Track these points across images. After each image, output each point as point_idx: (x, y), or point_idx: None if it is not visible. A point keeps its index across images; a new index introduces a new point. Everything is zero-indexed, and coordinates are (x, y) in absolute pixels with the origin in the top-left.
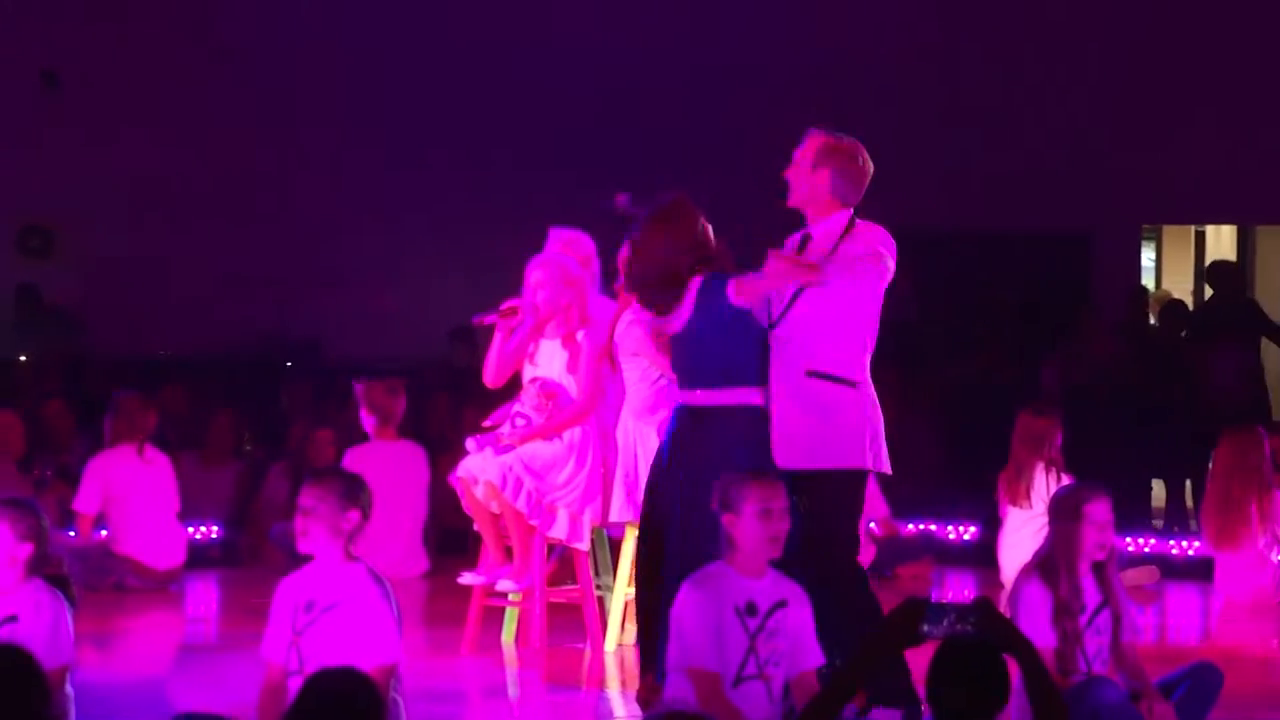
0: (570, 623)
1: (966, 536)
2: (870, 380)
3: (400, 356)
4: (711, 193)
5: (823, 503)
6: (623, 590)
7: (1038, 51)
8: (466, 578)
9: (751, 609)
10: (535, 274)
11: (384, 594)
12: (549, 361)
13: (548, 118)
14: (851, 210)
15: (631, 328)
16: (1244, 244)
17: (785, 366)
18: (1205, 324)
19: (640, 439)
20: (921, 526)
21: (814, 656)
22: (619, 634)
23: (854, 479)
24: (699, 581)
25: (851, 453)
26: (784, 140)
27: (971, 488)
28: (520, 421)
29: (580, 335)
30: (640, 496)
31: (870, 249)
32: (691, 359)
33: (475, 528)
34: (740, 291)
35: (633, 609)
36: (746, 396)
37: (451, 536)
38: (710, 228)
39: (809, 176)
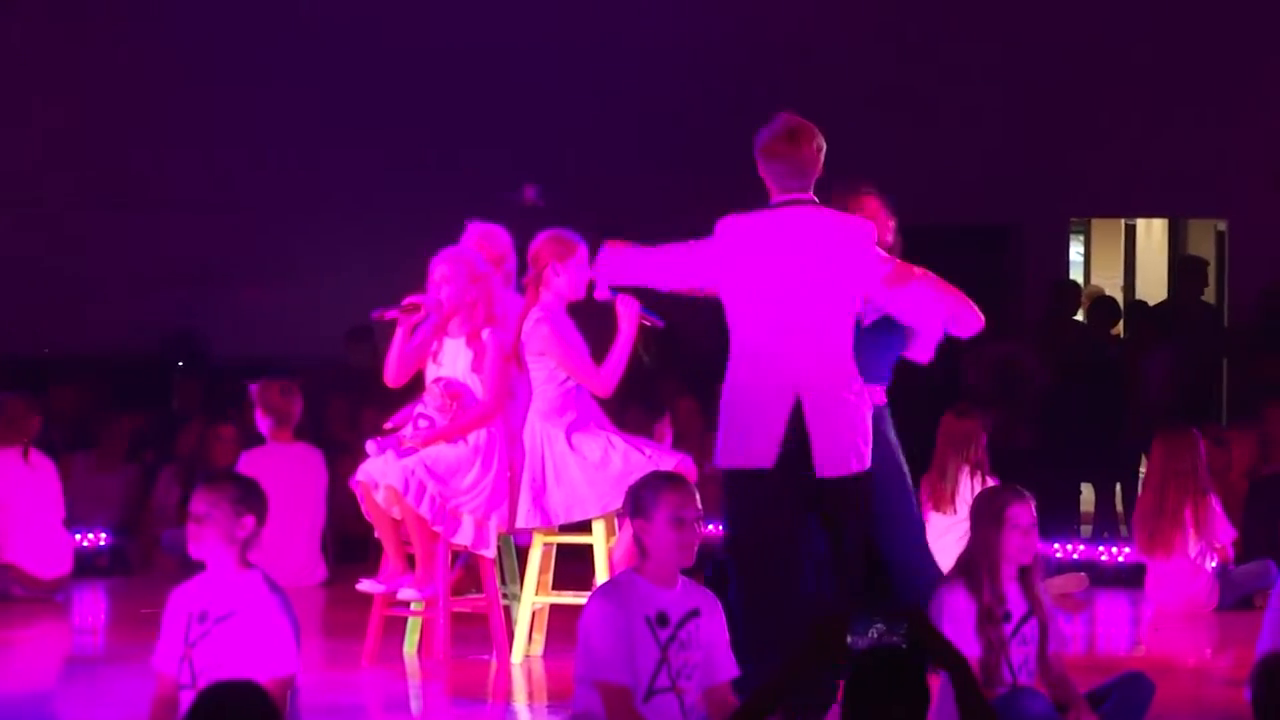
0: (475, 633)
1: None
2: None
3: (296, 356)
4: (628, 184)
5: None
6: (530, 599)
7: (963, 40)
8: (366, 586)
9: (663, 619)
10: (440, 269)
11: (281, 603)
12: (453, 361)
13: (456, 106)
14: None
15: (539, 326)
16: (1175, 238)
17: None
18: (1166, 321)
19: (548, 441)
20: None
21: (728, 668)
22: (526, 645)
23: None
24: (607, 591)
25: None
26: (705, 131)
27: None
28: (423, 423)
29: (486, 334)
30: (548, 501)
31: None
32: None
33: (376, 534)
34: None
35: (541, 619)
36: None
37: (351, 543)
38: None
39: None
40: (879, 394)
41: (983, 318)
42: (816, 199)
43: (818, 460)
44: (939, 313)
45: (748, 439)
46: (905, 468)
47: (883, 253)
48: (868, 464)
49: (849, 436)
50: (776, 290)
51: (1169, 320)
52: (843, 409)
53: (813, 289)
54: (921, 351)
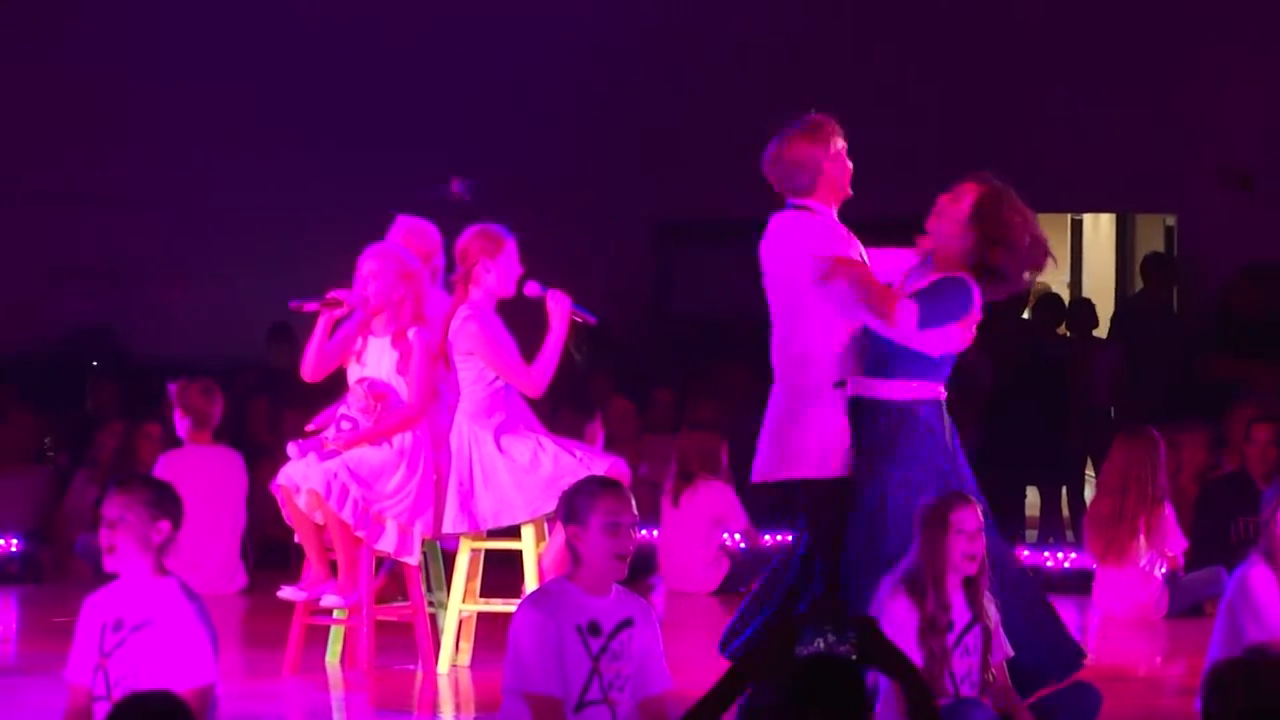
0: (400, 642)
1: None
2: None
3: (215, 355)
4: (554, 176)
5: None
6: (456, 607)
7: (897, 27)
8: (288, 593)
9: (595, 629)
10: (368, 264)
11: (198, 611)
12: (378, 360)
13: (380, 100)
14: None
15: (467, 324)
16: (1123, 233)
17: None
18: (1128, 320)
19: (475, 443)
20: (780, 538)
21: (661, 680)
22: (453, 654)
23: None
24: (537, 600)
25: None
26: (632, 118)
27: None
28: (346, 425)
29: (412, 333)
30: (476, 506)
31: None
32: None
33: (297, 539)
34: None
35: (468, 627)
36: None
37: (271, 549)
38: None
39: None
40: (920, 389)
41: (907, 321)
42: (798, 204)
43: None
44: (857, 308)
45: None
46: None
47: (819, 252)
48: (822, 472)
49: (784, 438)
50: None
51: (1135, 319)
52: (782, 411)
53: (770, 291)
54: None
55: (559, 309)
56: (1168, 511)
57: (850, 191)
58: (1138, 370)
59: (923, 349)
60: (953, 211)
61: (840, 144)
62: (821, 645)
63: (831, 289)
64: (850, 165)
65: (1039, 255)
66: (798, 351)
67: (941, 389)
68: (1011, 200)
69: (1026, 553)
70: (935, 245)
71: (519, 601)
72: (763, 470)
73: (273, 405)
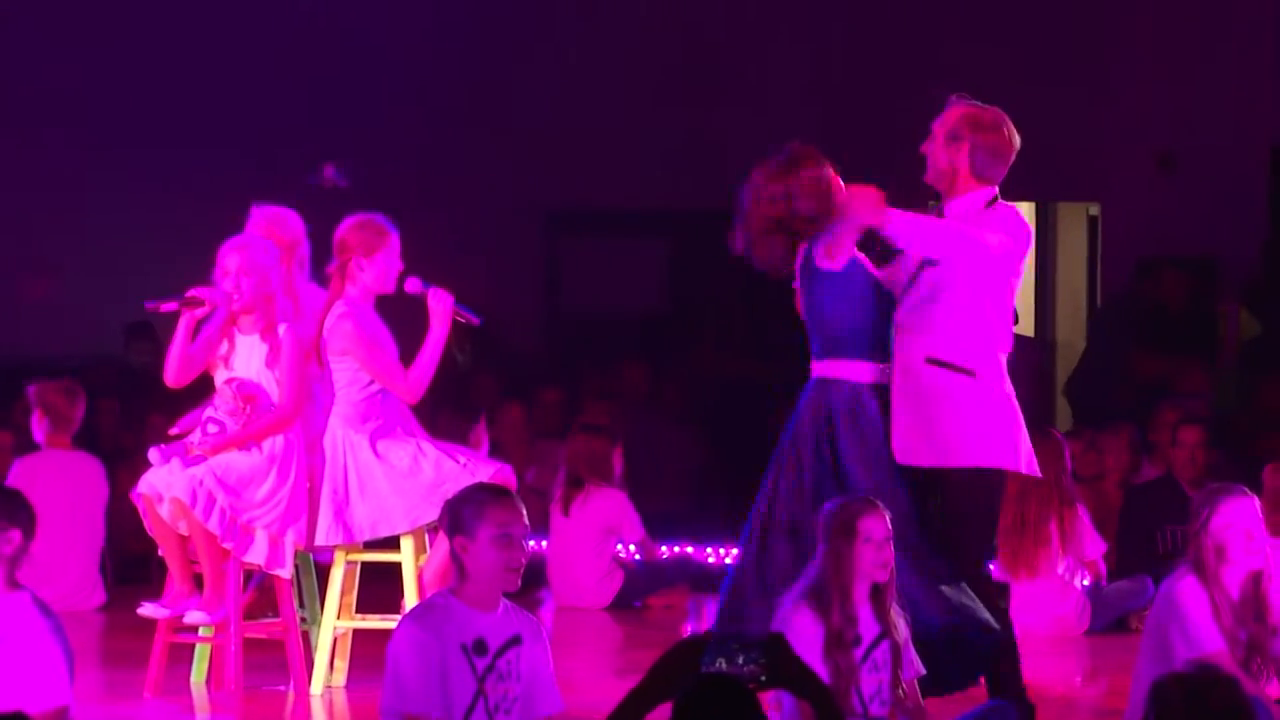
0: (271, 661)
1: (729, 560)
2: (1001, 373)
3: (68, 355)
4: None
5: (948, 504)
6: (331, 624)
7: (792, 11)
8: (149, 610)
9: (480, 647)
10: (230, 258)
11: (53, 628)
12: (246, 360)
13: (249, 88)
14: (994, 188)
15: (342, 322)
16: (1043, 223)
17: (904, 353)
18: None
19: (351, 449)
20: (678, 549)
21: (551, 701)
22: (327, 674)
23: (984, 479)
24: (419, 615)
25: (978, 450)
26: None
27: (736, 504)
28: (212, 429)
29: (282, 329)
30: (351, 515)
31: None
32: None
33: (159, 552)
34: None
35: (343, 645)
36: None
37: (132, 562)
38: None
39: (946, 150)
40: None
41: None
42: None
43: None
44: None
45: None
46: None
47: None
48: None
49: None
50: None
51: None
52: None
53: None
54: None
55: (440, 307)
56: (1081, 514)
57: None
58: (1045, 369)
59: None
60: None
61: None
62: (723, 664)
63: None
64: None
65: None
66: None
67: (820, 365)
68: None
69: None
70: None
71: (398, 618)
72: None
73: (133, 408)
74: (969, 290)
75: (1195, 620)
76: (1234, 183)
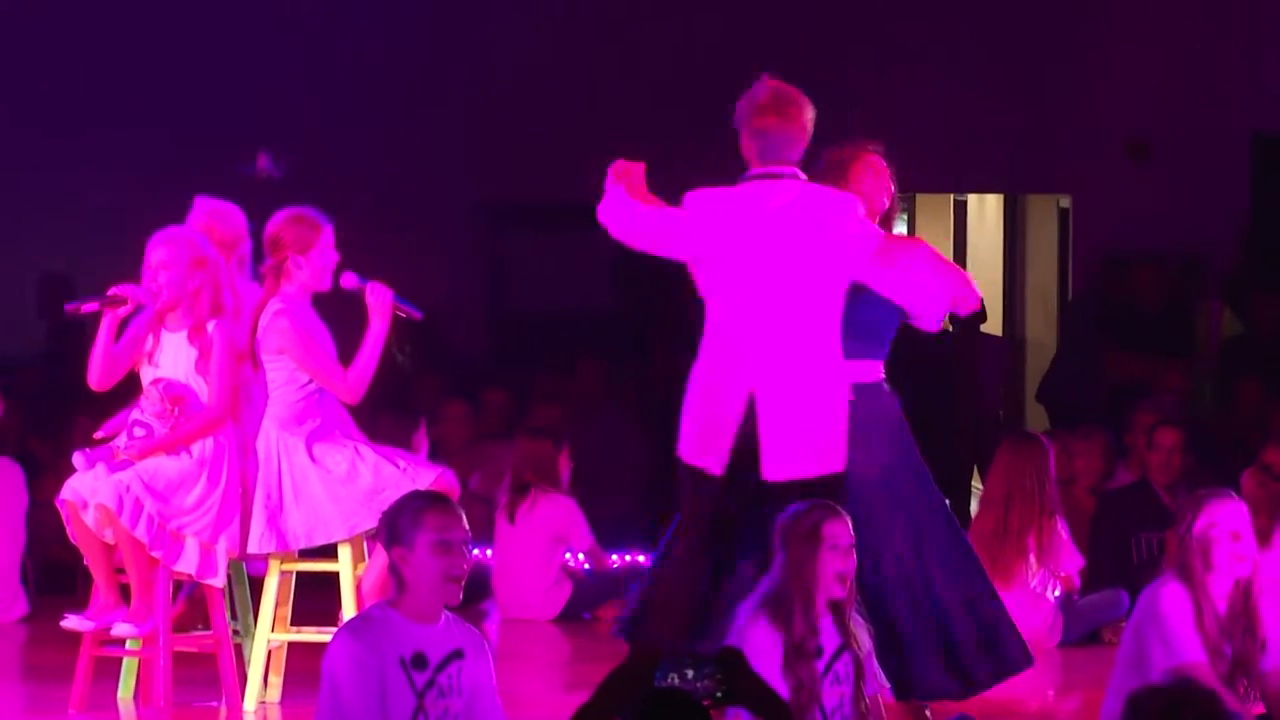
0: (202, 675)
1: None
2: None
3: None
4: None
5: None
6: (265, 636)
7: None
8: (73, 622)
9: (420, 661)
10: (157, 252)
11: None
12: (174, 359)
13: (180, 73)
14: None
15: (276, 320)
16: (1011, 215)
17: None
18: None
19: (286, 452)
20: (629, 558)
21: (495, 718)
22: (261, 689)
23: None
24: (355, 628)
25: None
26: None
27: None
28: (139, 432)
29: (212, 326)
30: (286, 522)
31: None
32: None
33: (85, 561)
34: None
35: (278, 659)
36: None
37: (55, 572)
38: None
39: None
40: (873, 370)
41: (980, 295)
42: (800, 173)
43: (764, 460)
44: (936, 293)
45: (703, 437)
46: (921, 471)
47: (870, 225)
48: (838, 468)
49: (809, 434)
50: (745, 272)
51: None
52: (804, 403)
53: (786, 271)
54: (928, 318)
55: (380, 303)
56: (1060, 527)
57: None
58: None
59: (927, 324)
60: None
61: (811, 113)
62: (676, 680)
63: (900, 269)
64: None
65: None
66: (821, 331)
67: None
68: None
69: None
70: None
71: (335, 631)
72: (803, 466)
73: (56, 410)
74: None
75: (1176, 628)
76: (1212, 172)
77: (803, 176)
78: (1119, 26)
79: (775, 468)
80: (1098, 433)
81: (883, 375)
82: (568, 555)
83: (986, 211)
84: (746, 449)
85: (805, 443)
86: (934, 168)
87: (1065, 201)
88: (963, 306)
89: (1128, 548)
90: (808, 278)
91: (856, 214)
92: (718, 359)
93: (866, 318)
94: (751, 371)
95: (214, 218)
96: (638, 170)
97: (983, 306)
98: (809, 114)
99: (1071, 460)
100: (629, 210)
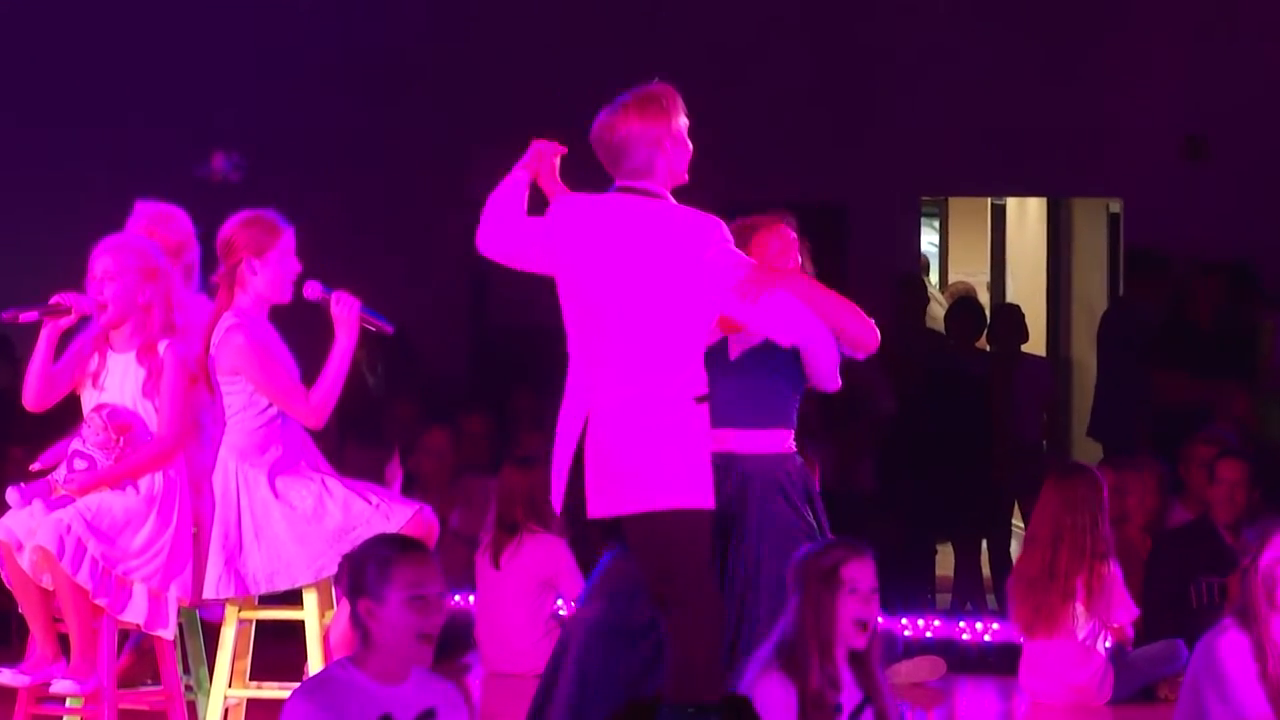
0: None
1: None
2: None
3: None
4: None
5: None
6: (221, 692)
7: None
8: (7, 676)
9: None
10: (103, 260)
11: None
12: (120, 382)
13: (130, 66)
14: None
15: (232, 335)
16: (1055, 220)
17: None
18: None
19: (245, 487)
20: None
21: None
22: None
23: None
24: (312, 690)
25: None
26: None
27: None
28: (81, 464)
29: (163, 346)
30: (245, 565)
31: None
32: None
33: (20, 609)
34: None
35: (235, 717)
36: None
37: None
38: None
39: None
40: (785, 440)
41: (878, 334)
42: (663, 194)
43: (588, 496)
44: (810, 328)
45: (552, 468)
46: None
47: (738, 253)
48: (674, 503)
49: (636, 466)
50: (594, 288)
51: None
52: (634, 431)
53: (636, 290)
54: (823, 376)
55: (346, 315)
56: (1114, 571)
57: (686, 178)
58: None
59: (825, 384)
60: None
61: (681, 121)
62: None
63: (771, 300)
64: (691, 147)
65: None
66: (664, 358)
67: None
68: None
69: (937, 623)
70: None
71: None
72: (621, 502)
73: None
74: None
75: (1235, 679)
76: (1273, 173)
77: (633, 187)
78: (1173, 15)
79: (596, 502)
80: (1151, 465)
81: (793, 446)
82: (559, 602)
83: (1027, 217)
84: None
85: (632, 474)
86: (969, 168)
87: (1115, 205)
88: (855, 346)
89: (1186, 594)
90: (655, 299)
91: (720, 236)
92: (568, 383)
93: (765, 384)
94: (589, 395)
95: (157, 222)
96: (552, 155)
97: (1025, 324)
98: (664, 124)
99: (1123, 496)
100: (501, 211)
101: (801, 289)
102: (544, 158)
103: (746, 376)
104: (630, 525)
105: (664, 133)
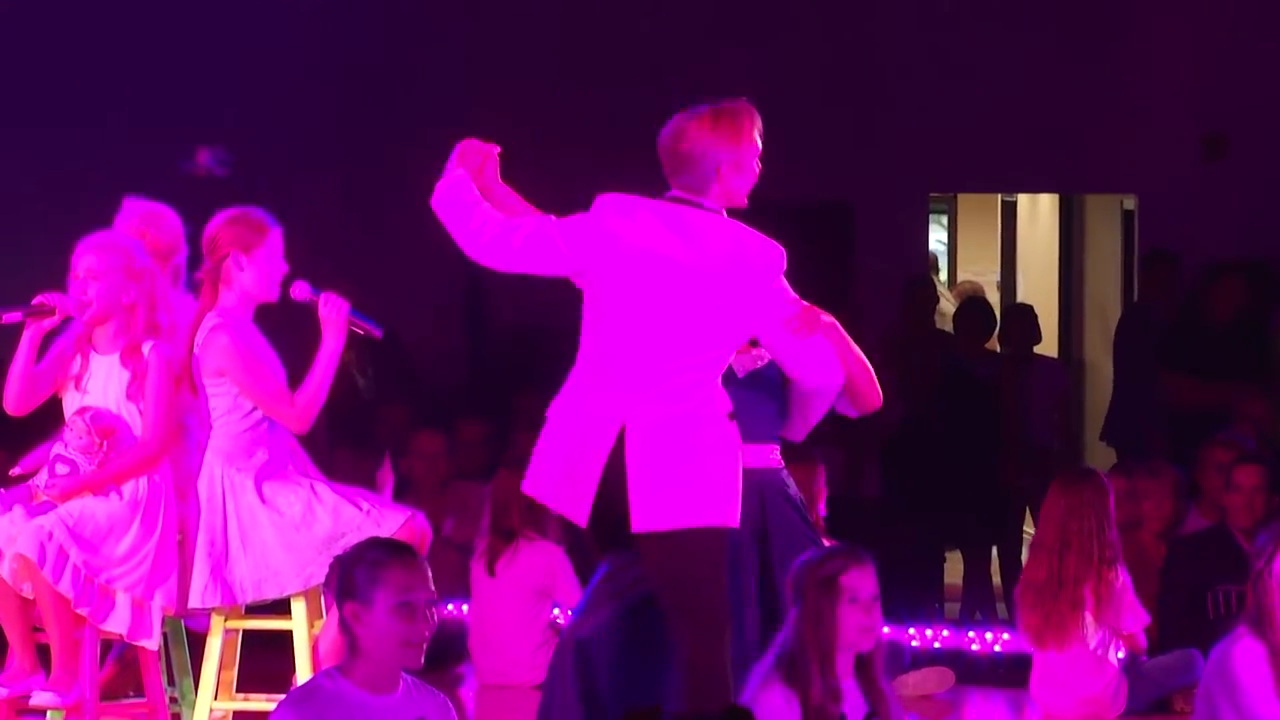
0: None
1: None
2: None
3: None
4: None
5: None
6: (207, 704)
7: None
8: None
9: None
10: (87, 259)
11: None
12: (104, 385)
13: (114, 61)
14: None
15: (216, 335)
16: (1068, 217)
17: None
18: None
19: (231, 493)
20: None
21: None
22: None
23: None
24: (299, 700)
25: None
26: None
27: None
28: (63, 469)
29: (148, 348)
30: (232, 573)
31: None
32: None
33: None
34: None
35: None
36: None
37: None
38: None
39: None
40: (774, 455)
41: (881, 398)
42: (718, 210)
43: (633, 508)
44: (835, 378)
45: (562, 477)
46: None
47: (791, 290)
48: (716, 521)
49: (684, 481)
50: (639, 293)
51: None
52: (681, 446)
53: (689, 301)
54: (796, 427)
55: (334, 317)
56: (1122, 577)
57: (745, 203)
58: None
59: (793, 434)
60: None
61: (753, 142)
62: None
63: (811, 342)
64: (757, 172)
65: None
66: (705, 373)
67: None
68: None
69: (945, 633)
70: None
71: (279, 701)
72: (668, 516)
73: None
74: None
75: (1249, 688)
76: None
77: (687, 200)
78: (1191, 9)
79: (642, 516)
80: (1166, 469)
81: (781, 462)
82: (555, 611)
83: (1039, 214)
84: (615, 493)
85: (680, 489)
86: (978, 164)
87: (1129, 202)
88: (858, 406)
89: (1203, 602)
90: (707, 314)
91: (782, 265)
92: (582, 387)
93: (767, 402)
94: (622, 406)
95: (147, 222)
96: (488, 155)
97: (1037, 324)
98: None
99: (1137, 501)
100: (482, 216)
101: (836, 337)
102: (473, 155)
103: (751, 393)
104: (661, 538)
105: (729, 154)
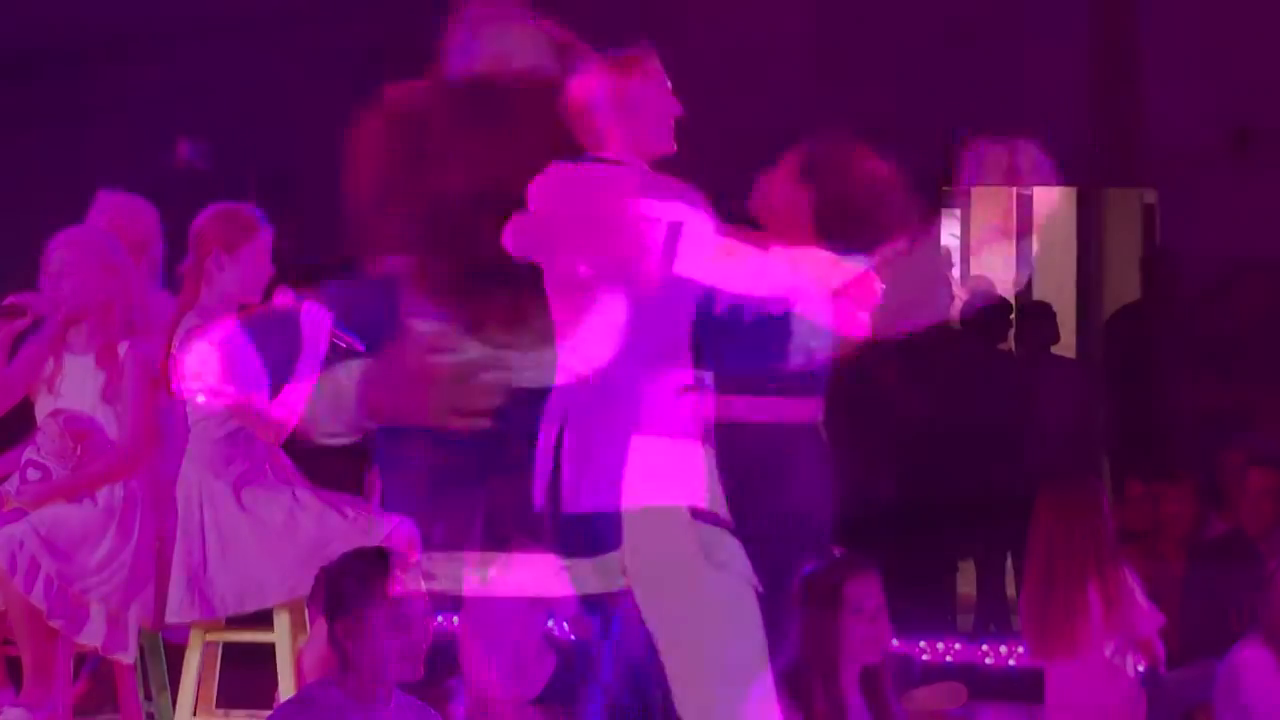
0: None
1: None
2: None
3: None
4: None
5: None
6: (186, 719)
7: None
8: None
9: None
10: (60, 255)
11: None
12: (78, 387)
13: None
14: None
15: (194, 337)
16: (1086, 211)
17: None
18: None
19: (210, 501)
20: None
21: None
22: None
23: None
24: (290, 713)
25: None
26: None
27: None
28: (35, 474)
29: (124, 348)
30: (211, 584)
31: None
32: None
33: None
34: None
35: None
36: None
37: None
38: None
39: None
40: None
41: (866, 326)
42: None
43: (563, 491)
44: (778, 280)
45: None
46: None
47: (714, 220)
48: (657, 500)
49: (618, 460)
50: (557, 273)
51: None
52: (615, 418)
53: (599, 262)
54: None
55: (315, 329)
56: (1128, 577)
57: (668, 148)
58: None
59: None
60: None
61: (643, 83)
62: None
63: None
64: (664, 112)
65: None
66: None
67: None
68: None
69: (957, 646)
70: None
71: (269, 715)
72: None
73: None
74: None
75: (1256, 698)
76: None
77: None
78: None
79: (572, 496)
80: (1186, 474)
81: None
82: (550, 623)
83: (1056, 208)
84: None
85: (608, 466)
86: (994, 156)
87: (1150, 196)
88: (858, 303)
89: (1225, 612)
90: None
91: (643, 193)
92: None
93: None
94: (566, 390)
95: (121, 215)
96: None
97: (1055, 324)
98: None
99: (1157, 506)
100: None
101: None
102: None
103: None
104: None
105: (618, 98)
